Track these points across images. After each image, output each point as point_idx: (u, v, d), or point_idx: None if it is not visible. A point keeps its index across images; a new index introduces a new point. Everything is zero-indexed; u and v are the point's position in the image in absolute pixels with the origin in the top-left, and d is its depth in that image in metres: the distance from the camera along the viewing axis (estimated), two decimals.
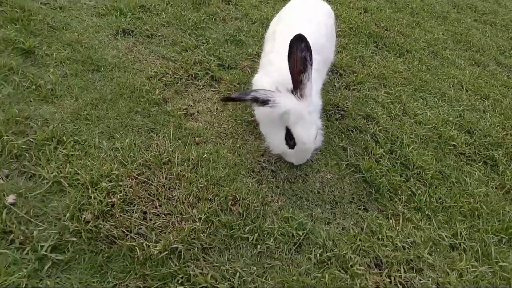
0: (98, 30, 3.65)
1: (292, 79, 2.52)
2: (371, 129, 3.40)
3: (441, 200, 2.98)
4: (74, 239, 2.06)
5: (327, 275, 2.25)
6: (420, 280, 2.43)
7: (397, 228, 2.68)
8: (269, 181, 2.73)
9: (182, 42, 3.80)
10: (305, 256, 2.34)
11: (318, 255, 2.34)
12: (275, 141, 2.72)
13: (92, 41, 3.48)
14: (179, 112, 3.03)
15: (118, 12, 3.93)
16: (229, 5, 4.69)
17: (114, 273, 2.00)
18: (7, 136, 2.45)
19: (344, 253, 2.39)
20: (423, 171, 3.14)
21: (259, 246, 2.29)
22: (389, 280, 2.37)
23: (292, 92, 2.56)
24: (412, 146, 3.35)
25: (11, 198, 2.13)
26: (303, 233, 2.43)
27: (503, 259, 2.64)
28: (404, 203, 2.89)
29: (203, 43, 3.90)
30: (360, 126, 3.39)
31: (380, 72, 4.21)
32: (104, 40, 3.56)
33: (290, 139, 2.63)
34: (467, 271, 2.52)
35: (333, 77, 3.96)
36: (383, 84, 4.09)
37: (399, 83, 4.15)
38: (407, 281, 2.40)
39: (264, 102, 2.43)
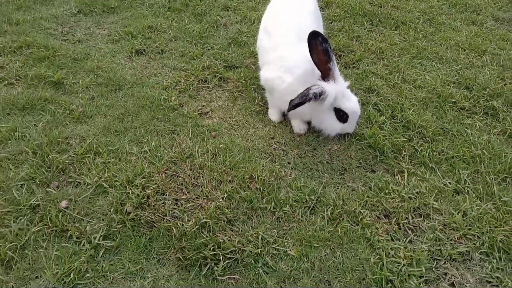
0: (114, 55, 4.08)
1: (319, 70, 2.91)
2: (372, 100, 3.68)
3: (443, 152, 3.22)
4: (120, 227, 2.46)
5: (339, 229, 2.56)
6: (428, 223, 2.70)
7: (403, 183, 2.95)
8: (281, 159, 3.06)
9: (190, 52, 4.19)
10: (319, 216, 2.65)
11: (330, 213, 2.65)
12: (331, 124, 3.11)
13: (110, 65, 3.91)
14: (194, 113, 3.41)
15: (130, 36, 4.36)
16: (229, 11, 5.06)
17: (156, 250, 2.39)
18: (52, 154, 2.88)
19: (354, 209, 2.69)
20: (425, 130, 3.40)
21: (276, 213, 2.63)
22: (398, 227, 2.65)
23: (324, 79, 2.93)
24: (413, 109, 3.60)
25: (64, 203, 2.56)
26: (315, 197, 2.74)
27: (506, 194, 2.87)
28: (408, 160, 3.15)
29: (208, 49, 4.27)
30: (361, 99, 3.67)
31: (377, 47, 4.47)
32: (121, 62, 3.99)
33: (342, 116, 3.04)
34: (471, 210, 2.77)
35: None
36: (381, 57, 4.34)
37: (396, 54, 4.39)
38: (415, 226, 2.68)
39: (320, 96, 2.81)
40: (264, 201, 2.68)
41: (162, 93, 3.57)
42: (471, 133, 3.41)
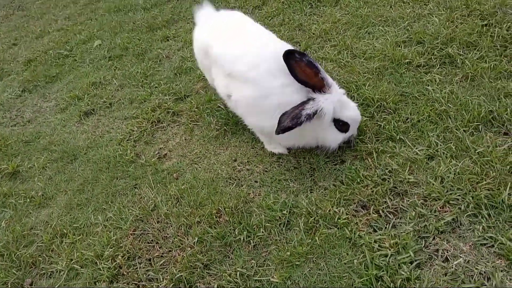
0: (64, 124, 4.01)
1: (308, 85, 2.64)
2: None
3: (408, 119, 3.09)
4: None
5: (317, 238, 2.44)
6: (408, 201, 2.57)
7: (374, 165, 2.82)
8: (247, 180, 2.95)
9: (138, 97, 4.10)
10: (295, 230, 2.54)
11: (304, 224, 2.53)
12: (333, 138, 2.84)
13: (62, 136, 3.84)
14: (153, 159, 3.32)
15: (76, 99, 4.29)
16: (169, 41, 4.97)
17: None
18: (20, 251, 2.80)
19: (329, 211, 2.57)
20: (384, 102, 3.26)
21: (251, 241, 2.52)
22: (377, 214, 2.53)
23: (316, 91, 2.65)
24: (368, 83, 3.47)
25: None
26: (287, 211, 2.63)
27: (480, 144, 2.73)
28: (374, 139, 3.02)
29: (156, 87, 4.18)
30: None
31: (321, 29, 4.34)
32: (72, 129, 3.91)
33: (342, 126, 2.80)
34: (448, 173, 2.63)
35: None
36: (327, 39, 4.21)
37: (341, 30, 4.26)
38: (395, 208, 2.55)
39: (314, 115, 2.55)
40: (236, 233, 2.57)
41: (117, 149, 3.48)
42: (433, 90, 3.27)
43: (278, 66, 2.67)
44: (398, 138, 2.98)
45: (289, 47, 2.79)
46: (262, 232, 2.55)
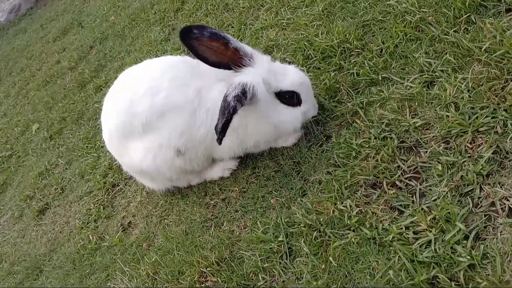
0: (23, 234, 3.44)
1: (223, 65, 2.06)
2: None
3: (382, 50, 2.39)
4: None
5: (331, 257, 1.75)
6: (425, 152, 1.86)
7: (365, 125, 2.13)
8: (225, 214, 2.28)
9: (87, 167, 3.48)
10: (301, 257, 1.85)
11: (309, 243, 1.84)
12: (288, 118, 2.19)
13: (23, 250, 3.25)
14: (117, 235, 2.68)
15: (28, 200, 3.70)
16: (102, 90, 4.33)
17: None
18: None
19: (332, 212, 1.88)
20: (347, 43, 2.57)
21: None
22: (396, 188, 1.84)
23: (239, 68, 2.05)
24: (319, 31, 2.77)
25: None
26: (283, 237, 1.94)
27: (482, 39, 2.01)
28: (353, 92, 2.33)
29: (101, 147, 3.54)
30: None
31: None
32: (31, 237, 3.33)
33: (290, 99, 2.15)
34: (460, 92, 1.92)
35: None
36: (259, 5, 3.53)
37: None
38: (414, 169, 1.85)
39: (244, 96, 1.92)
40: None
41: (79, 240, 2.86)
42: (396, 1, 2.55)
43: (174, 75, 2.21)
44: (380, 78, 2.29)
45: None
46: (263, 278, 1.87)
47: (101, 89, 4.34)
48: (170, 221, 2.51)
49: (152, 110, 2.17)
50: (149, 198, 2.77)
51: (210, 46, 1.99)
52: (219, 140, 1.93)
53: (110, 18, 5.61)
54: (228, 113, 1.87)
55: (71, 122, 4.24)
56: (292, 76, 2.09)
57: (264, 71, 2.03)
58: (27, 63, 6.56)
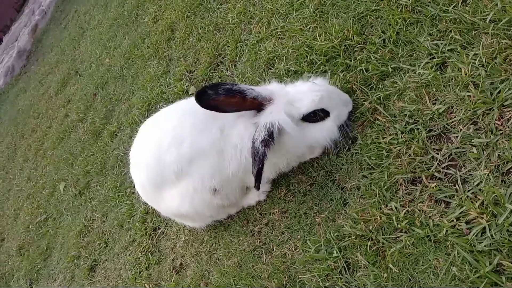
0: None
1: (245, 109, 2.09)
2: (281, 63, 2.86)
3: (385, 40, 2.38)
4: None
5: (390, 264, 1.76)
6: (456, 136, 1.86)
7: (388, 120, 2.13)
8: (272, 239, 2.31)
9: (124, 215, 3.53)
10: (361, 268, 1.86)
11: (365, 253, 1.86)
12: (321, 135, 2.18)
13: None
14: (172, 279, 2.72)
15: (75, 260, 3.77)
16: (117, 135, 4.38)
17: None
18: None
19: (380, 218, 1.89)
20: (347, 40, 2.56)
21: None
22: (436, 180, 1.84)
23: (260, 111, 2.09)
24: (316, 33, 2.77)
25: None
26: (336, 250, 1.96)
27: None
28: (367, 89, 2.32)
29: (132, 193, 3.60)
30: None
31: (238, 12, 3.64)
32: None
33: (315, 115, 2.14)
34: (479, 64, 1.90)
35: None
36: (249, 18, 3.52)
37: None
38: (449, 157, 1.85)
39: (272, 138, 1.97)
40: None
41: None
42: None
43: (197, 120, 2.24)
44: (390, 69, 2.28)
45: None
46: None
47: (116, 135, 4.39)
48: (220, 255, 2.55)
49: (181, 159, 2.21)
50: (193, 236, 2.81)
51: (228, 103, 2.01)
52: (257, 188, 1.99)
53: (105, 61, 5.66)
54: (259, 160, 1.92)
55: (95, 174, 4.30)
56: (308, 98, 2.10)
57: (283, 105, 2.05)
58: (36, 122, 6.66)
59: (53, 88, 6.88)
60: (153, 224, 3.20)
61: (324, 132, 2.15)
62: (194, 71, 3.80)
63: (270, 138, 1.96)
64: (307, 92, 2.11)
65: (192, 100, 2.50)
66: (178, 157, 2.24)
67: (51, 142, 5.66)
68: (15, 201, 5.62)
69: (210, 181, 2.28)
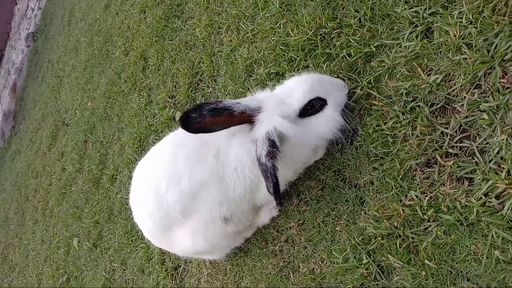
0: None
1: (235, 125, 1.95)
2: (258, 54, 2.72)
3: (361, 19, 2.22)
4: None
5: (426, 259, 1.61)
6: (461, 105, 1.71)
7: (386, 103, 1.98)
8: (295, 255, 2.17)
9: (142, 259, 3.40)
10: (396, 270, 1.72)
11: (395, 254, 1.71)
12: (324, 127, 2.02)
13: None
14: None
15: None
16: (117, 178, 4.25)
17: None
18: None
19: (402, 211, 1.74)
20: (322, 28, 2.41)
21: None
22: (453, 157, 1.68)
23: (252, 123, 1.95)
24: (288, 29, 2.62)
25: None
26: (365, 255, 1.81)
27: None
28: (355, 75, 2.17)
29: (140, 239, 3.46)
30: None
31: (204, 26, 3.50)
32: None
33: (312, 107, 1.98)
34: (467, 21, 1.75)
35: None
36: (217, 28, 3.38)
37: (217, 10, 3.40)
38: (460, 130, 1.70)
39: (275, 147, 1.82)
40: None
41: None
42: None
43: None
44: (374, 48, 2.13)
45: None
46: None
47: (115, 178, 4.26)
48: (247, 283, 2.41)
49: (183, 197, 2.08)
50: (216, 268, 2.68)
51: (215, 123, 1.87)
52: (279, 203, 1.88)
53: (87, 105, 5.54)
54: (271, 175, 1.77)
55: (105, 222, 4.17)
56: (298, 90, 1.95)
57: (274, 108, 1.90)
58: (37, 182, 6.55)
59: (44, 143, 6.77)
60: (172, 263, 3.06)
61: (328, 122, 1.99)
62: (176, 95, 3.66)
63: (274, 148, 1.80)
64: (295, 85, 1.98)
65: (178, 131, 2.37)
66: (179, 196, 2.11)
67: (55, 199, 5.55)
68: (35, 267, 5.51)
69: (218, 210, 2.14)
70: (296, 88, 1.99)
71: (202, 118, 1.82)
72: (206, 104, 1.86)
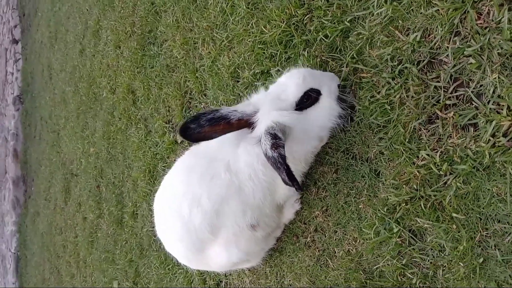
0: None
1: (234, 131, 2.00)
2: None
3: None
4: None
5: (453, 213, 1.63)
6: (447, 55, 1.72)
7: (373, 72, 1.99)
8: (328, 242, 2.19)
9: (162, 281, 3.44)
10: (428, 232, 1.74)
11: (424, 214, 1.73)
12: (324, 117, 2.05)
13: None
14: None
15: None
16: (138, 213, 4.30)
17: None
18: None
19: (417, 172, 1.76)
20: (294, 18, 2.42)
21: None
22: (453, 109, 1.70)
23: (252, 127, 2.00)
24: (261, 29, 2.64)
25: None
26: (395, 224, 1.83)
27: None
28: (338, 53, 2.19)
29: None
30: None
31: (180, 44, 3.53)
32: None
33: (308, 99, 1.99)
34: None
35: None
36: (191, 46, 3.40)
37: (188, 27, 3.43)
38: (455, 79, 1.71)
39: (278, 138, 1.84)
40: None
41: None
42: None
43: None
44: (348, 23, 2.16)
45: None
46: (412, 273, 1.77)
47: (137, 214, 4.31)
48: (290, 280, 2.44)
49: (207, 216, 2.12)
50: (256, 274, 2.71)
51: (214, 131, 1.92)
52: (299, 189, 1.89)
53: (90, 151, 5.59)
54: (280, 164, 1.78)
55: (138, 259, 4.22)
56: (291, 84, 1.98)
57: (270, 105, 1.94)
58: (62, 238, 6.62)
59: (59, 199, 6.84)
60: (213, 280, 3.10)
61: (327, 111, 2.01)
62: (172, 119, 3.69)
63: (277, 139, 1.82)
64: (287, 80, 2.01)
65: (184, 155, 2.41)
66: (204, 216, 2.15)
67: (84, 249, 5.61)
68: None
69: (244, 220, 2.18)
70: (289, 82, 2.03)
71: (201, 128, 1.88)
72: (203, 115, 1.92)
